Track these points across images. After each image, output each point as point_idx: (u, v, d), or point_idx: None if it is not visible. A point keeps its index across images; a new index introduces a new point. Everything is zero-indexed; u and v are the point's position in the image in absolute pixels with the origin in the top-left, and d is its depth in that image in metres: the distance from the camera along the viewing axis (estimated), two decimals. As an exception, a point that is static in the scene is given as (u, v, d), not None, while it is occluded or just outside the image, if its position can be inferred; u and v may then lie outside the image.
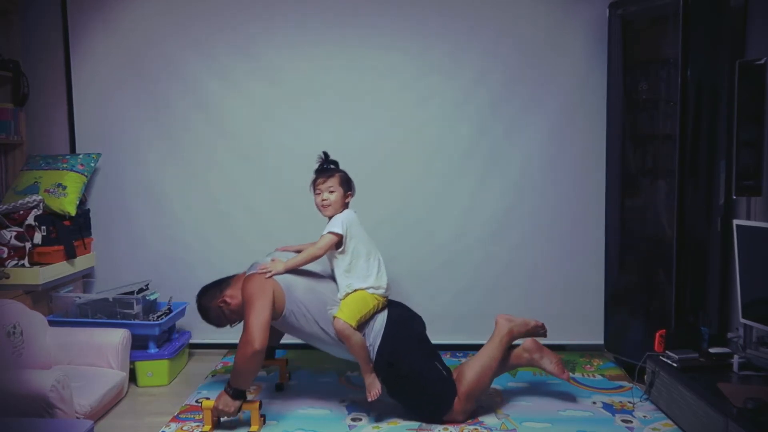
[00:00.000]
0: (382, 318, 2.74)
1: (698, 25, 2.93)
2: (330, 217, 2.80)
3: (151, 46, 3.55)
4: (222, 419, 2.68)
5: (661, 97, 3.12)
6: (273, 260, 2.77)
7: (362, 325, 2.69)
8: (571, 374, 3.26)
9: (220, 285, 2.89)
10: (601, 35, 3.37)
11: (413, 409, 2.75)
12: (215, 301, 2.84)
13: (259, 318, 2.59)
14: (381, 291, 2.77)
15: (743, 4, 3.04)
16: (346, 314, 2.64)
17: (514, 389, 3.01)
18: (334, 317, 2.65)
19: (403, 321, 2.78)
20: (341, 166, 2.87)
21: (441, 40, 3.49)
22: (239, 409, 2.61)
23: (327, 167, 2.84)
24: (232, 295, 2.81)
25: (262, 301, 2.63)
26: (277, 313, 2.68)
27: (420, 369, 2.69)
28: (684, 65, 2.93)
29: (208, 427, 2.62)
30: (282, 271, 2.72)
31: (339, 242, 2.74)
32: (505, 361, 2.85)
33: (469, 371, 2.74)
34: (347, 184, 2.84)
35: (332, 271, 2.83)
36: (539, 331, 2.94)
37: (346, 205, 2.84)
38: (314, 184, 2.83)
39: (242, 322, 2.68)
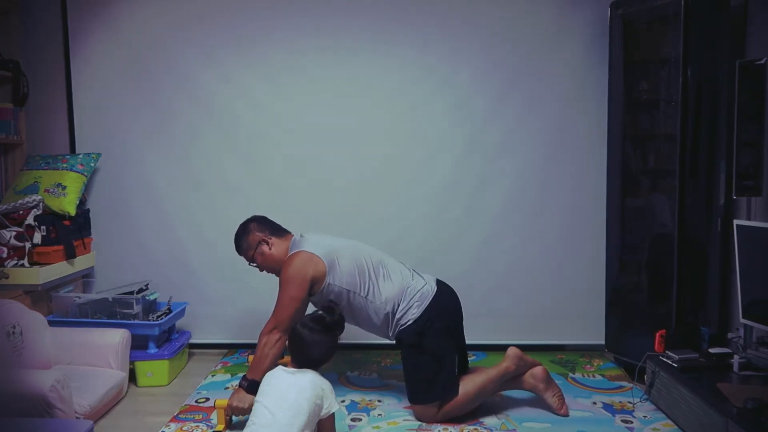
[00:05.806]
0: (429, 288, 2.74)
1: (698, 25, 2.92)
2: None
3: (151, 46, 3.56)
4: (234, 419, 2.66)
5: (661, 97, 3.11)
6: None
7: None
8: (571, 374, 3.27)
9: (276, 228, 2.88)
10: (602, 35, 3.37)
11: (411, 383, 2.72)
12: (260, 235, 2.84)
13: (292, 304, 2.59)
14: None
15: (743, 4, 3.03)
16: None
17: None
18: None
19: (447, 300, 2.76)
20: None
21: (440, 41, 3.48)
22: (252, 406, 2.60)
23: None
24: (274, 245, 2.82)
25: (299, 285, 2.61)
26: (314, 291, 2.68)
27: (442, 353, 2.67)
28: (684, 65, 2.93)
29: (221, 427, 2.61)
30: None
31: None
32: (508, 383, 2.81)
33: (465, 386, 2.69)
34: None
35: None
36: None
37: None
38: None
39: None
